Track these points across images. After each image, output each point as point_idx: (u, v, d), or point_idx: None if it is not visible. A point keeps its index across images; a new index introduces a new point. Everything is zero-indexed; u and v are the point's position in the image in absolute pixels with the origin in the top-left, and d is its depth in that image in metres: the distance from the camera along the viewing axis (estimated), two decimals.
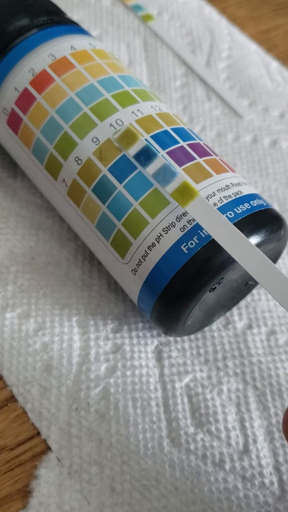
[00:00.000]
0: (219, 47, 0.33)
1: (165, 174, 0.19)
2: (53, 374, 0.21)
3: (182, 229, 0.18)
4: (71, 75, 0.21)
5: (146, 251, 0.19)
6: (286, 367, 0.22)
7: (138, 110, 0.21)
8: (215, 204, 0.18)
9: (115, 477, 0.19)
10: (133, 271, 0.19)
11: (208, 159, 0.20)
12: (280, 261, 0.25)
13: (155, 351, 0.22)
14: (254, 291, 0.24)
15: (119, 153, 0.20)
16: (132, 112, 0.20)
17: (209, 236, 0.18)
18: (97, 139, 0.20)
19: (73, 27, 0.23)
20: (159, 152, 0.19)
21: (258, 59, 0.33)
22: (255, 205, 0.19)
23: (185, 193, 0.18)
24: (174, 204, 0.19)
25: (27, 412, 0.20)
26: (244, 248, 0.17)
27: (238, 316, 0.23)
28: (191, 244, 0.18)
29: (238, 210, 0.19)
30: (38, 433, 0.20)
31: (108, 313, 0.23)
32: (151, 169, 0.19)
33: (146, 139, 0.20)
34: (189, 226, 0.18)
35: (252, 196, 0.20)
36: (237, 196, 0.19)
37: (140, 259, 0.19)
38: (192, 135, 0.21)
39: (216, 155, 0.21)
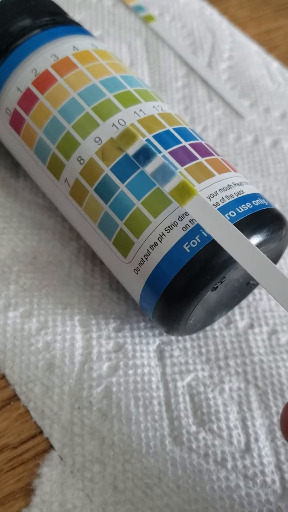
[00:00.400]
0: (220, 48, 0.34)
1: (163, 173, 0.19)
2: (55, 373, 0.21)
3: (184, 228, 0.18)
4: (74, 75, 0.21)
5: (148, 250, 0.19)
6: (287, 366, 0.22)
7: (140, 110, 0.21)
8: (217, 204, 0.19)
9: (118, 475, 0.19)
10: (135, 271, 0.19)
11: (210, 158, 0.20)
12: (281, 260, 0.25)
13: (157, 350, 0.22)
14: (256, 290, 0.24)
15: (121, 153, 0.20)
16: (134, 112, 0.20)
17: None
18: (100, 139, 0.20)
19: (75, 28, 0.23)
20: (157, 152, 0.19)
21: (259, 60, 0.33)
22: (257, 204, 0.19)
23: (183, 192, 0.18)
24: (176, 204, 0.19)
25: (29, 411, 0.20)
26: (243, 247, 0.17)
27: (240, 315, 0.23)
28: (193, 243, 0.18)
29: (240, 210, 0.19)
30: (41, 432, 0.20)
31: (110, 313, 0.23)
32: (150, 168, 0.19)
33: (148, 139, 0.20)
34: (191, 226, 0.18)
35: (254, 196, 0.20)
36: (239, 196, 0.19)
37: (142, 259, 0.19)
38: (194, 135, 0.21)
39: (218, 155, 0.21)
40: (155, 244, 0.19)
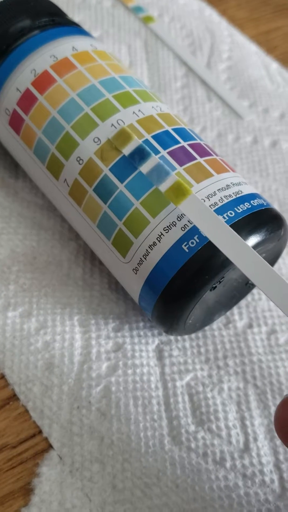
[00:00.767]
0: (219, 48, 0.34)
1: (159, 173, 0.19)
2: (54, 372, 0.21)
3: (183, 228, 0.18)
4: (73, 76, 0.21)
5: (147, 250, 0.19)
6: (286, 366, 0.22)
7: (139, 110, 0.21)
8: (215, 204, 0.19)
9: (117, 475, 0.19)
10: (134, 270, 0.19)
11: (209, 159, 0.20)
12: (280, 260, 0.25)
13: (156, 350, 0.22)
14: (255, 290, 0.24)
15: (119, 153, 0.20)
16: (133, 112, 0.21)
17: None
18: (99, 139, 0.20)
19: (74, 28, 0.24)
20: (152, 152, 0.19)
21: (258, 60, 0.33)
22: (256, 204, 0.19)
23: (178, 192, 0.18)
24: None
25: (28, 411, 0.20)
26: (237, 247, 0.17)
27: (239, 315, 0.23)
28: (192, 243, 0.18)
29: (239, 210, 0.19)
30: (40, 431, 0.20)
31: (109, 312, 0.23)
32: (145, 168, 0.19)
33: (147, 139, 0.20)
34: (190, 225, 0.18)
35: (253, 196, 0.20)
36: (237, 196, 0.19)
37: (141, 258, 0.19)
38: (193, 135, 0.21)
39: (216, 155, 0.21)
40: (154, 244, 0.19)
